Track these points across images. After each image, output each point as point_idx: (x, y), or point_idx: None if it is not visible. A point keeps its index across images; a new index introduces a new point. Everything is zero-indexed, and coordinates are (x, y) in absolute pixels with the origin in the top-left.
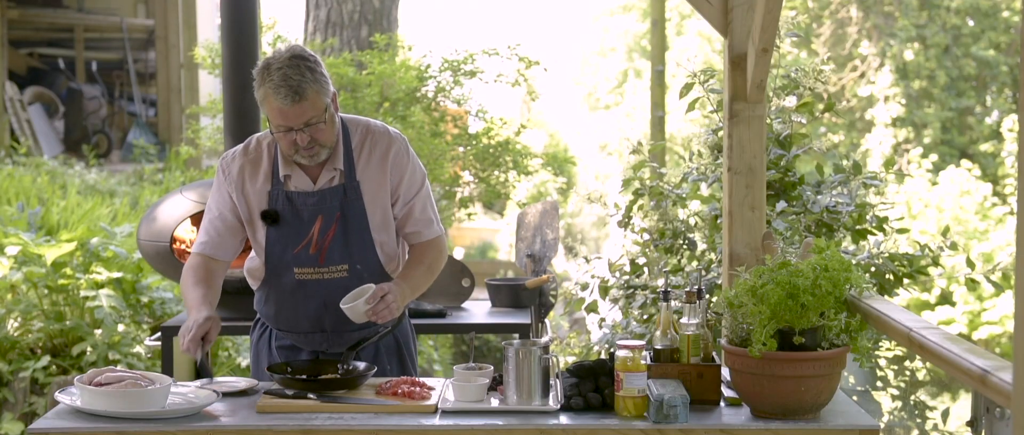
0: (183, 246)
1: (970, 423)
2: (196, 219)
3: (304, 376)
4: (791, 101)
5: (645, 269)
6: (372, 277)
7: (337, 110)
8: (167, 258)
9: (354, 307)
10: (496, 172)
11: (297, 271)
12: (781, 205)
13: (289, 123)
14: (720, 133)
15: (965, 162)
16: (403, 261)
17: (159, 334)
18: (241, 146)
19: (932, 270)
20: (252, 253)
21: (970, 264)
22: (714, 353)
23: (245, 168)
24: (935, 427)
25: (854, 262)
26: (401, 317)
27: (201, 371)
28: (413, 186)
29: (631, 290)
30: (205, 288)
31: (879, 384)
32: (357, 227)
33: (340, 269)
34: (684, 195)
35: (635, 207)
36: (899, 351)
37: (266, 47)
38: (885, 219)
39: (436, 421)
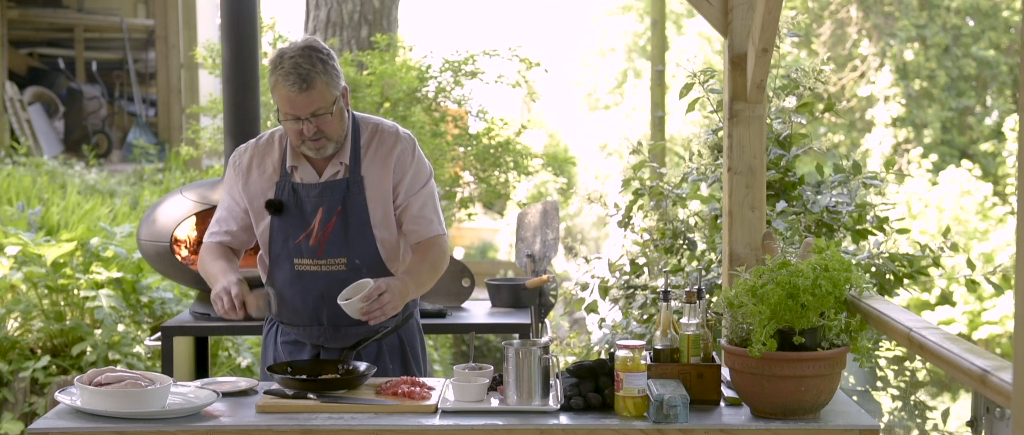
0: (183, 246)
1: (970, 423)
2: (199, 218)
3: (304, 376)
4: (791, 101)
5: (645, 269)
6: (371, 272)
7: (347, 105)
8: (167, 258)
9: (350, 304)
10: (496, 172)
11: (296, 262)
12: (781, 205)
13: (297, 112)
14: (720, 133)
15: (965, 162)
16: (406, 259)
17: (159, 334)
18: (254, 139)
19: (932, 270)
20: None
21: (970, 265)
22: (714, 353)
23: (254, 159)
24: (935, 427)
25: (854, 262)
26: (407, 318)
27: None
28: (415, 184)
29: (631, 290)
30: (225, 261)
31: (879, 384)
32: (357, 221)
33: (338, 262)
34: (684, 195)
35: (635, 207)
36: (899, 351)
37: (266, 47)
38: (885, 219)
39: (436, 421)
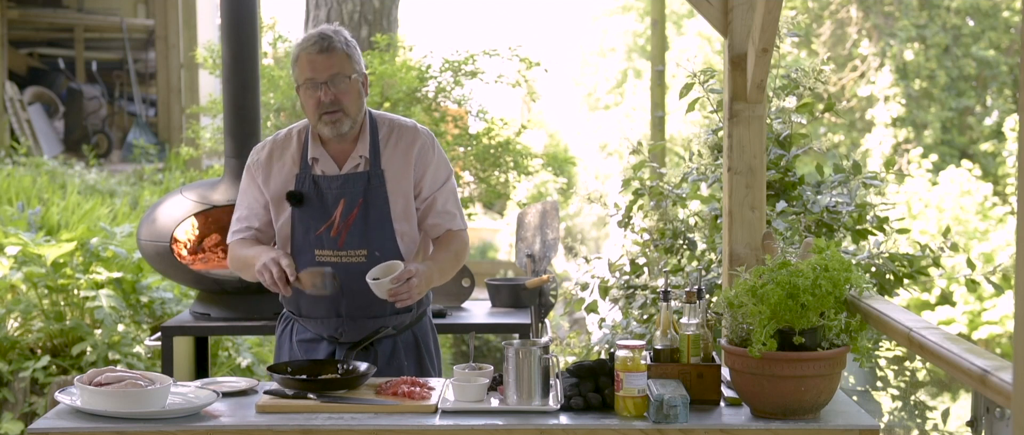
0: (183, 246)
1: (970, 423)
2: (199, 218)
3: (304, 376)
4: (791, 101)
5: (645, 269)
6: None
7: (366, 93)
8: (167, 258)
9: (380, 284)
10: (496, 172)
11: (317, 253)
12: (781, 205)
13: (316, 75)
14: (720, 133)
15: (965, 162)
16: (425, 253)
17: (159, 334)
18: (271, 136)
19: (932, 270)
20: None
21: (970, 265)
22: (714, 353)
23: (273, 153)
24: (935, 427)
25: (854, 262)
26: (421, 315)
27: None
28: (437, 180)
29: (631, 290)
30: (263, 245)
31: (879, 384)
32: (378, 214)
33: (359, 254)
34: (684, 195)
35: (635, 207)
36: (899, 351)
37: (266, 47)
38: (885, 219)
39: (436, 421)
